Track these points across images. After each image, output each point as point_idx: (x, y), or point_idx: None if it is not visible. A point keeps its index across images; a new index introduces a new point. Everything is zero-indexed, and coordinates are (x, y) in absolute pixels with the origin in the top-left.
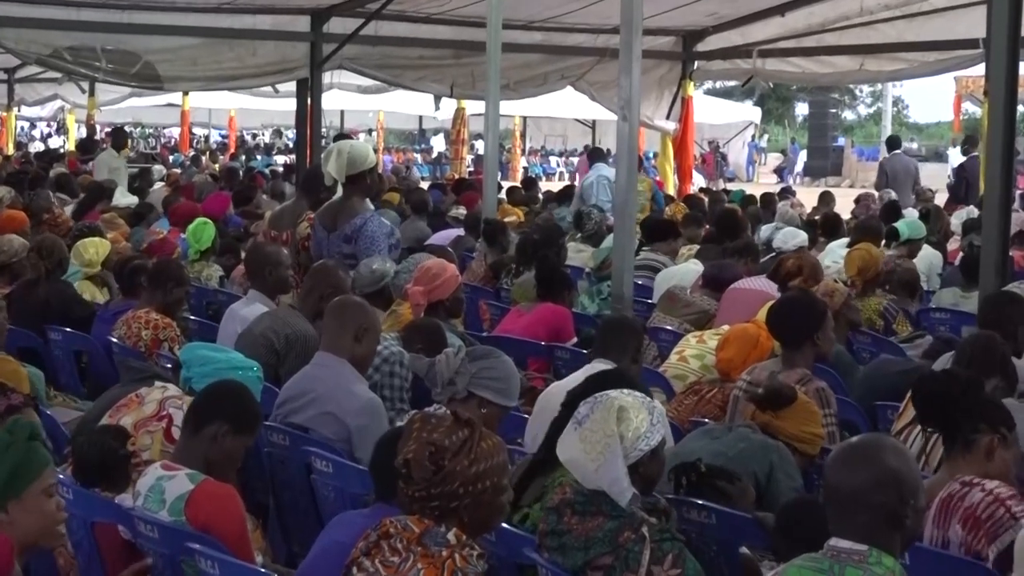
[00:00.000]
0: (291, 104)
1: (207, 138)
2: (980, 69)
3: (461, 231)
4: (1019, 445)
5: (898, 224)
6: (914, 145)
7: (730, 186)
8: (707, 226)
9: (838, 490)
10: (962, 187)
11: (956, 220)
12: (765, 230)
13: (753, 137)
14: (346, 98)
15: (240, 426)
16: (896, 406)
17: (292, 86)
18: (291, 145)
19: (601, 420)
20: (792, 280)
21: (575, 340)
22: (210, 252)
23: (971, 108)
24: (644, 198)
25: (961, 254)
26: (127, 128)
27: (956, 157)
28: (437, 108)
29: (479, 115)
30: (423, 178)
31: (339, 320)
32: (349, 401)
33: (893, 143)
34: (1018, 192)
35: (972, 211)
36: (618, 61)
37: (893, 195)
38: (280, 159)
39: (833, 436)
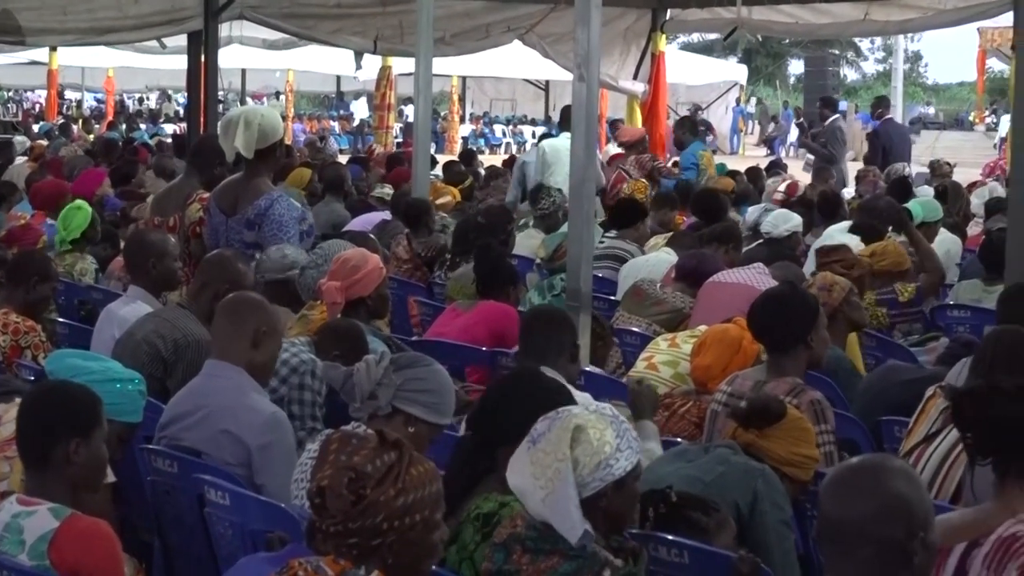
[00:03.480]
0: (181, 62)
1: (79, 103)
2: (1008, 19)
3: (387, 215)
4: None
5: (910, 204)
6: (931, 110)
7: None
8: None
9: (834, 521)
10: (879, 155)
11: (977, 200)
12: (751, 212)
13: (738, 101)
14: (248, 55)
15: (87, 428)
16: (905, 421)
17: (182, 40)
18: (181, 112)
19: (555, 440)
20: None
21: None
22: (84, 242)
23: (998, 65)
24: (705, 176)
25: (984, 240)
26: None
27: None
28: (358, 67)
29: (409, 75)
30: (341, 150)
31: (232, 321)
32: (248, 416)
33: (828, 104)
34: None
35: (997, 188)
36: (574, 9)
37: (908, 170)
38: (168, 128)
39: (830, 457)
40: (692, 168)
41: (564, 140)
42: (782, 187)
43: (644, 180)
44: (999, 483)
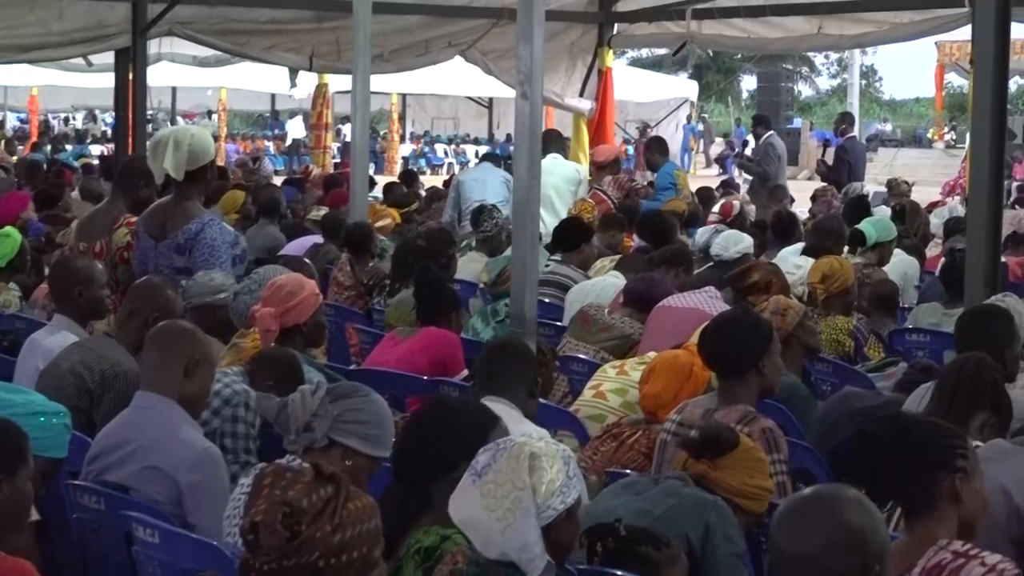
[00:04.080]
0: (108, 80)
1: (2, 123)
2: (966, 33)
3: (319, 238)
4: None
5: (862, 225)
6: (888, 127)
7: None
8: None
9: (787, 555)
10: (845, 172)
11: (937, 219)
12: (701, 233)
13: (689, 118)
14: (179, 72)
15: (12, 465)
16: None
17: (109, 57)
18: (109, 132)
19: (509, 470)
20: (757, 296)
21: (466, 373)
22: (10, 272)
23: (956, 80)
24: (682, 195)
25: (943, 261)
26: None
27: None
28: (293, 85)
29: (346, 93)
30: (276, 171)
31: (162, 350)
32: (179, 452)
33: (762, 122)
34: (1015, 184)
35: (957, 208)
36: (516, 25)
37: (865, 189)
38: (95, 149)
39: (783, 487)
40: (670, 188)
41: (546, 161)
42: (716, 207)
43: (591, 201)
44: (908, 516)
